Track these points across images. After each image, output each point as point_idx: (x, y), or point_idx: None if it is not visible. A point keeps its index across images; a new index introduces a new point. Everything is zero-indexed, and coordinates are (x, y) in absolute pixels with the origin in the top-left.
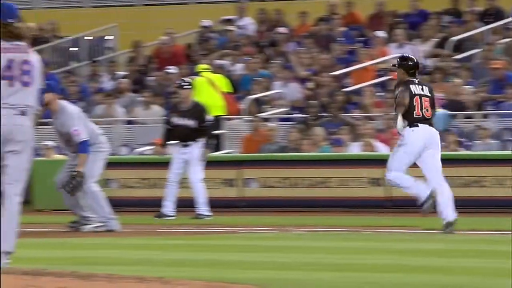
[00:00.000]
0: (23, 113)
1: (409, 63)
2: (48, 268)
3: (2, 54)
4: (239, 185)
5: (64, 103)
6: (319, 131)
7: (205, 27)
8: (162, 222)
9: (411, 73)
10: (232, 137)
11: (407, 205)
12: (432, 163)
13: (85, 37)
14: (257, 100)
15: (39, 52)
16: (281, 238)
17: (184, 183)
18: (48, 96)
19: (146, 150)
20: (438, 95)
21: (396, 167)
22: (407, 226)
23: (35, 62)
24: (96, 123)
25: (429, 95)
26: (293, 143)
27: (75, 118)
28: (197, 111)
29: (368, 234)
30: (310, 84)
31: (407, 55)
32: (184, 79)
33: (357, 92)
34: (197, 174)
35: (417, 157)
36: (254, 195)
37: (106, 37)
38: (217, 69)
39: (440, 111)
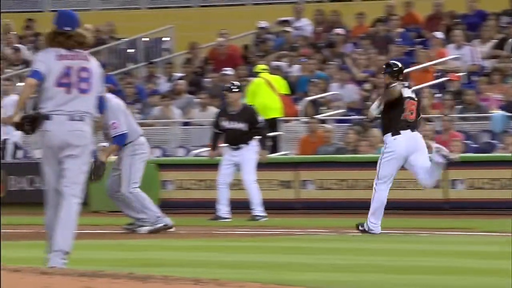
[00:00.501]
0: (80, 119)
1: (394, 69)
2: (105, 269)
3: (59, 62)
4: (296, 187)
5: (109, 95)
6: (376, 132)
7: (262, 28)
8: (218, 224)
9: (396, 78)
10: (289, 139)
11: (465, 207)
12: (422, 162)
13: (142, 39)
14: (314, 102)
15: (96, 54)
16: (337, 240)
17: (239, 185)
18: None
19: (202, 151)
20: (496, 96)
21: (384, 174)
22: (464, 228)
23: (93, 69)
24: (153, 124)
25: (416, 99)
26: (350, 144)
27: (116, 111)
28: (247, 114)
29: (425, 236)
30: (367, 86)
31: (392, 61)
32: (233, 82)
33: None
34: (251, 175)
35: (404, 161)
36: (311, 197)
37: (163, 39)
38: (274, 71)
39: (498, 112)
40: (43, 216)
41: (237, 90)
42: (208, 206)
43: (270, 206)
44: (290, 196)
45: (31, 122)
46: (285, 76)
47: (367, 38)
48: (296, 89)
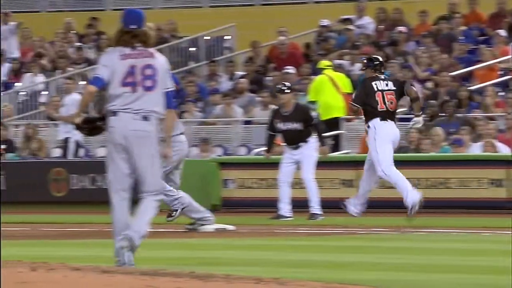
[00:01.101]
0: (145, 118)
1: (375, 62)
2: (166, 268)
3: (123, 61)
4: (358, 186)
5: None
6: (439, 131)
7: (323, 26)
8: (279, 223)
9: (377, 71)
10: (351, 138)
11: None
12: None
13: (204, 37)
14: None
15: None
16: (399, 239)
17: (300, 183)
18: None
19: (264, 150)
20: None
21: (384, 159)
22: None
23: (158, 66)
24: (214, 123)
25: (394, 88)
26: (413, 143)
27: None
28: (301, 112)
29: (488, 235)
30: (429, 84)
31: (373, 56)
32: (284, 83)
33: (479, 91)
34: (310, 173)
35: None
36: (372, 195)
37: (224, 37)
38: (337, 69)
39: None
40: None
41: (288, 90)
42: (269, 205)
43: (332, 205)
44: (352, 194)
45: (89, 125)
46: (347, 75)
47: (429, 36)
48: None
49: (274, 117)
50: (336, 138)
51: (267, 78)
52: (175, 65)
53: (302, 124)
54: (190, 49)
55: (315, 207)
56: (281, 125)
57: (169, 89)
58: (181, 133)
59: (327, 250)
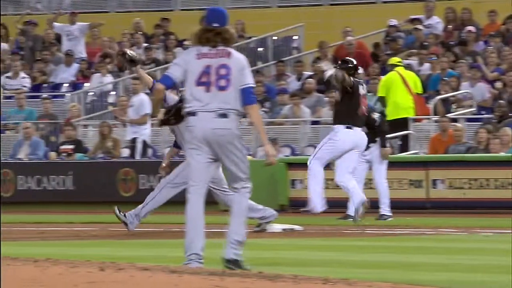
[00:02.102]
0: (224, 115)
1: (349, 65)
2: (236, 269)
3: (199, 61)
4: (426, 186)
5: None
6: (508, 131)
7: (392, 26)
8: (347, 223)
9: (351, 74)
10: (420, 138)
11: None
12: (349, 160)
13: (272, 37)
14: (444, 100)
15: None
16: (468, 240)
17: (368, 184)
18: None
19: None
20: None
21: (318, 156)
22: None
23: (233, 65)
24: (282, 123)
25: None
26: (481, 143)
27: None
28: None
29: None
30: (498, 84)
31: (348, 58)
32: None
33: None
34: (381, 174)
35: (340, 156)
36: (441, 196)
37: (293, 37)
38: (407, 68)
39: None
40: (171, 215)
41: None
42: (337, 205)
43: (400, 205)
44: (420, 195)
45: (174, 114)
46: (417, 75)
47: (498, 36)
48: (427, 87)
49: None
50: (405, 138)
51: None
52: None
53: (366, 127)
54: (258, 49)
55: (385, 208)
56: None
57: (248, 85)
58: None
59: (396, 250)
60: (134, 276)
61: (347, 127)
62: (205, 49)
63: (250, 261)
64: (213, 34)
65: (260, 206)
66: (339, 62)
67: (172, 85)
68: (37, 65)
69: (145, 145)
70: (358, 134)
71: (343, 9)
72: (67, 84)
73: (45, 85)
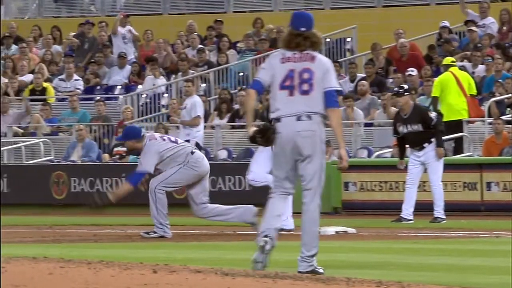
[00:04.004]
0: (308, 117)
1: None
2: (287, 271)
3: (283, 65)
4: (480, 189)
5: (148, 143)
6: None
7: (445, 28)
8: (401, 226)
9: None
10: (473, 140)
11: None
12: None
13: (326, 39)
14: (499, 103)
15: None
16: None
17: (422, 186)
18: (129, 144)
19: (385, 152)
20: None
21: (255, 168)
22: None
23: (316, 69)
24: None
25: None
26: None
27: (148, 153)
28: (419, 114)
29: None
30: None
31: None
32: (401, 85)
33: None
34: (436, 176)
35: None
36: (495, 198)
37: (346, 39)
38: (461, 69)
39: None
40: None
41: (405, 93)
42: (390, 208)
43: (455, 208)
44: (475, 198)
45: (262, 135)
46: (471, 77)
47: None
48: (481, 89)
49: (396, 120)
50: (459, 140)
51: (388, 80)
52: None
53: (422, 126)
54: None
55: (439, 211)
56: (402, 129)
57: (331, 88)
58: (191, 153)
59: (450, 253)
60: (187, 278)
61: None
62: (289, 53)
63: None
64: (302, 38)
65: (231, 209)
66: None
67: (262, 89)
68: (90, 67)
69: (198, 147)
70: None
71: (396, 10)
72: (120, 86)
73: (98, 87)
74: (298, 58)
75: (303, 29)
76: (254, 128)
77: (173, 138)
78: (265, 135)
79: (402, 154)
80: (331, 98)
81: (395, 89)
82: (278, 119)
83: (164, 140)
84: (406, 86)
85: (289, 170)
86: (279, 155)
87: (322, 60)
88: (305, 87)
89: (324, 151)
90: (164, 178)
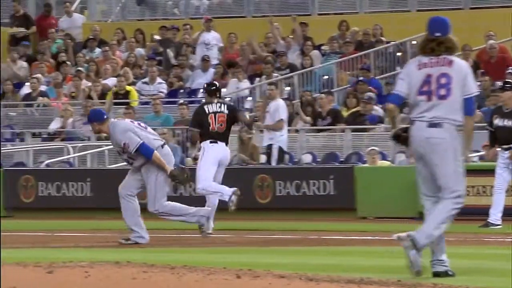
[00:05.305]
0: (438, 125)
1: (211, 88)
2: (372, 276)
3: (420, 71)
4: None
5: (112, 123)
6: None
7: None
8: (488, 231)
9: (212, 95)
10: None
11: None
12: (217, 178)
13: (411, 42)
14: None
15: (363, 57)
16: None
17: (510, 190)
18: (94, 126)
19: (473, 157)
20: None
21: (204, 177)
22: None
23: (454, 74)
24: None
25: (226, 112)
26: None
27: (123, 132)
28: None
29: None
30: None
31: (210, 81)
32: (507, 80)
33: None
34: None
35: (217, 165)
36: None
37: None
38: None
39: None
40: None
41: (509, 88)
42: (478, 213)
43: None
44: None
45: (404, 133)
46: None
47: None
48: None
49: (494, 113)
50: None
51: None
52: (381, 70)
53: None
54: (397, 53)
55: None
56: (498, 121)
57: (471, 95)
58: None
59: None
60: (270, 283)
61: (211, 142)
62: (425, 59)
63: (389, 269)
64: (436, 43)
65: (192, 210)
66: (204, 85)
67: (401, 101)
68: (173, 71)
69: (281, 151)
70: (222, 148)
71: (484, 12)
72: (203, 90)
73: (181, 90)
74: (434, 63)
75: (438, 34)
76: (401, 125)
77: (142, 124)
78: (403, 135)
79: (492, 145)
80: (470, 106)
81: (500, 83)
82: (412, 122)
83: (132, 122)
84: (511, 81)
85: (428, 174)
86: (416, 159)
87: (461, 65)
88: (443, 92)
89: (457, 158)
90: (153, 197)
